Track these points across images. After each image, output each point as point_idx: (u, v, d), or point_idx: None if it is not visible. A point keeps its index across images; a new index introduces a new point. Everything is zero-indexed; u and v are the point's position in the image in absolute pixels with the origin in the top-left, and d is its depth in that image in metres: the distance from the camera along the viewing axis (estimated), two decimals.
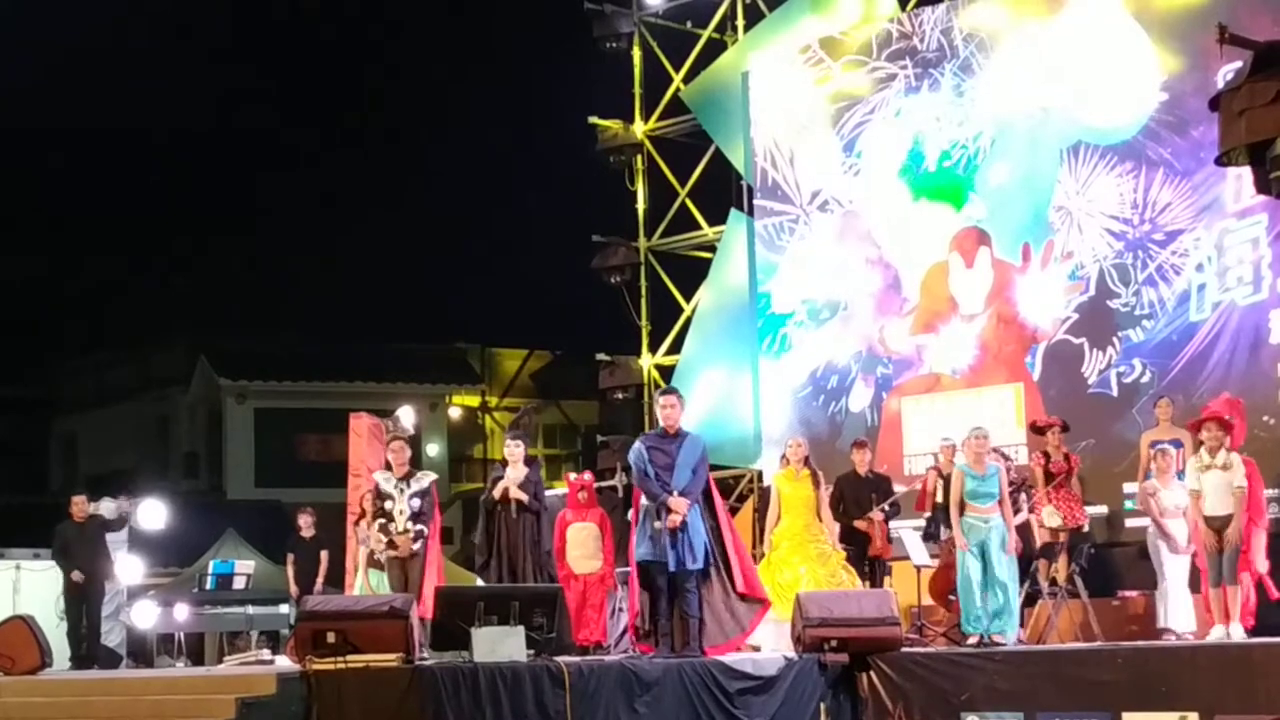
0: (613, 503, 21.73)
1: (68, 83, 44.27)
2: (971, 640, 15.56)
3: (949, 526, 16.81)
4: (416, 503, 15.53)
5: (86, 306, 45.87)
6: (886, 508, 17.76)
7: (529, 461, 16.70)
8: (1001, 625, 15.59)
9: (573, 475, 18.46)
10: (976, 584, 15.66)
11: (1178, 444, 16.51)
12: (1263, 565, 15.22)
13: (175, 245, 45.27)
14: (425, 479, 15.80)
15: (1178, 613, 15.59)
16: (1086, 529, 17.12)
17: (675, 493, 14.77)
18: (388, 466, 15.87)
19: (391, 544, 15.46)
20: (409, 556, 15.46)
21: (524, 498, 16.28)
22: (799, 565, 16.57)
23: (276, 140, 47.81)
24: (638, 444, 15.29)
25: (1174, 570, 15.75)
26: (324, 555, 20.62)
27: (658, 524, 14.75)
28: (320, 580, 20.47)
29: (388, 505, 15.56)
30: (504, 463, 16.73)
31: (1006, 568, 15.65)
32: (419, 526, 15.46)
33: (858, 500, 17.74)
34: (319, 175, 48.07)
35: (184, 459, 43.35)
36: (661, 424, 15.26)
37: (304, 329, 42.82)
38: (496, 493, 16.40)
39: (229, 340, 42.15)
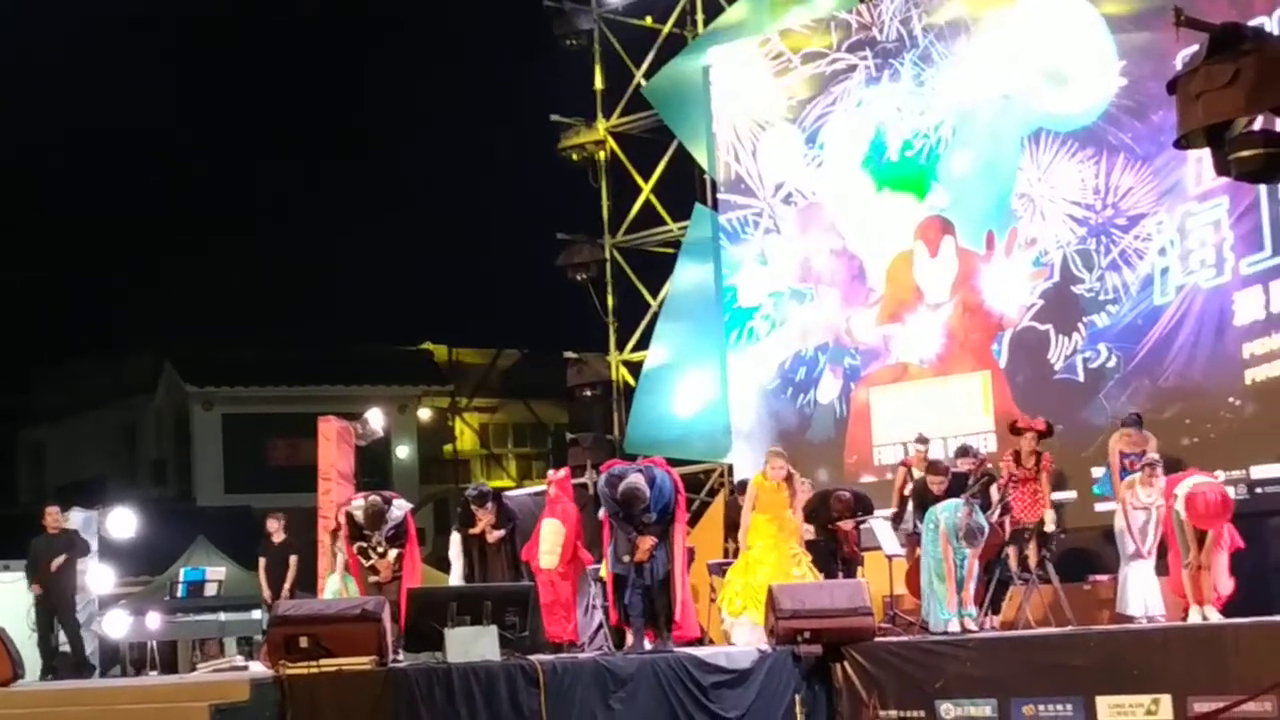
0: (583, 500, 21.73)
1: (31, 84, 44.06)
2: (953, 626, 15.60)
3: (920, 521, 16.91)
4: (393, 533, 15.95)
5: (52, 316, 45.65)
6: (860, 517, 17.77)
7: (498, 526, 17.05)
8: (970, 613, 15.66)
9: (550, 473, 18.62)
10: (946, 575, 15.73)
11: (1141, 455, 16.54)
12: (1225, 587, 15.24)
13: (139, 253, 45.08)
14: (399, 510, 16.15)
15: (1137, 598, 15.59)
16: (1049, 527, 17.07)
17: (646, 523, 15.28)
18: (363, 480, 16.23)
19: (373, 569, 15.81)
20: (389, 580, 15.73)
21: (500, 534, 16.67)
22: (771, 567, 16.56)
23: (239, 146, 47.68)
24: (602, 485, 15.61)
25: (1137, 561, 15.76)
26: (293, 560, 20.57)
27: (626, 558, 15.34)
28: (289, 585, 20.41)
29: (366, 532, 15.92)
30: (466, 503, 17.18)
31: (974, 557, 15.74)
32: (396, 549, 15.80)
33: (825, 510, 17.80)
34: (282, 181, 47.95)
35: (152, 467, 43.23)
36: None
37: (270, 334, 42.72)
38: (474, 531, 16.86)
39: (195, 347, 42.03)
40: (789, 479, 16.73)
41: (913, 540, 17.07)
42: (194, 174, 47.15)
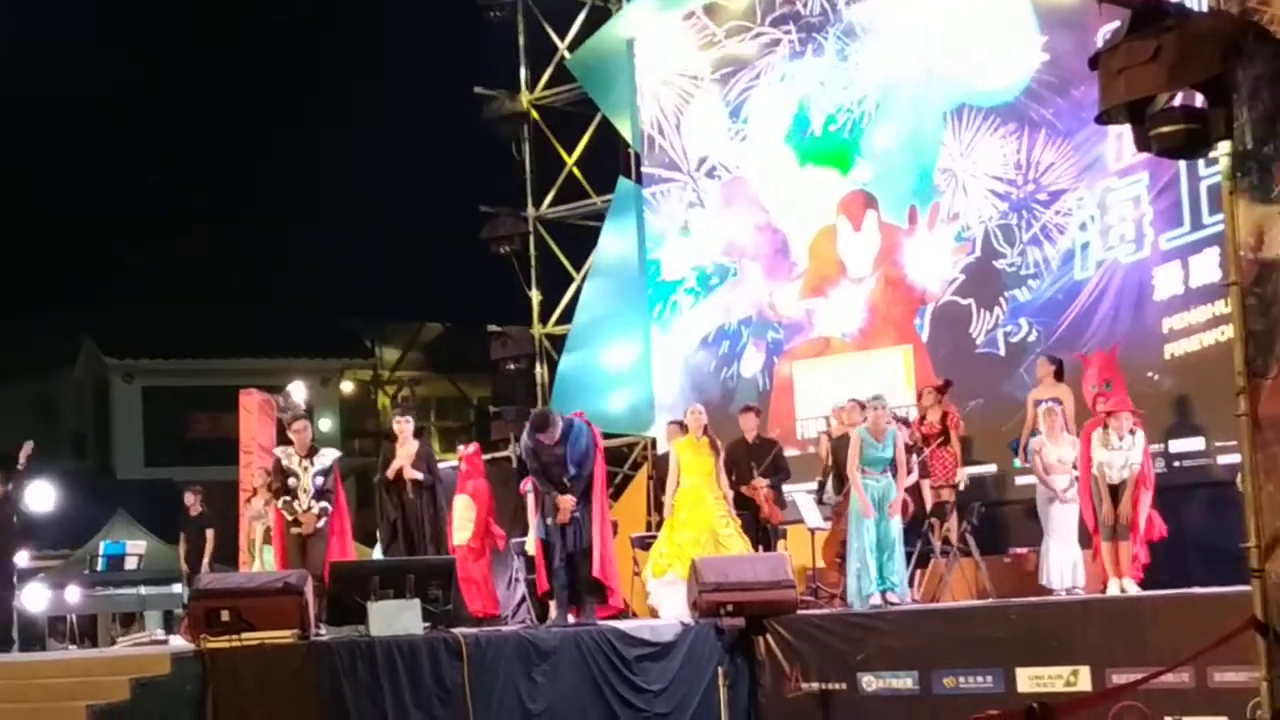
0: (506, 474, 21.71)
1: None
2: (874, 600, 15.69)
3: (838, 491, 17.00)
4: (320, 480, 15.57)
5: None
6: (769, 477, 17.80)
7: (418, 434, 16.71)
8: (892, 585, 15.75)
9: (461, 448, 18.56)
10: (869, 547, 15.81)
11: (1057, 401, 16.67)
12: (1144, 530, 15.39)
13: (58, 222, 44.63)
14: (328, 457, 15.82)
15: (1061, 569, 15.71)
16: (962, 487, 17.25)
17: (567, 483, 15.16)
18: (287, 443, 15.84)
19: (296, 521, 15.46)
20: (311, 533, 15.44)
21: (418, 476, 16.30)
22: (696, 529, 16.63)
23: (160, 115, 47.24)
24: (525, 439, 15.51)
25: (1060, 525, 15.81)
26: (209, 534, 20.43)
27: (549, 520, 15.25)
28: (206, 559, 20.29)
29: (291, 482, 15.58)
30: (393, 439, 16.75)
31: (893, 529, 15.82)
32: (323, 504, 15.49)
33: (741, 467, 17.81)
34: (201, 150, 47.54)
35: (71, 439, 42.86)
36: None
37: (191, 306, 42.36)
38: (390, 473, 16.43)
39: (114, 319, 41.65)
40: (706, 431, 16.84)
41: (839, 511, 17.13)
42: (117, 146, 46.64)
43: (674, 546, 16.53)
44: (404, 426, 16.61)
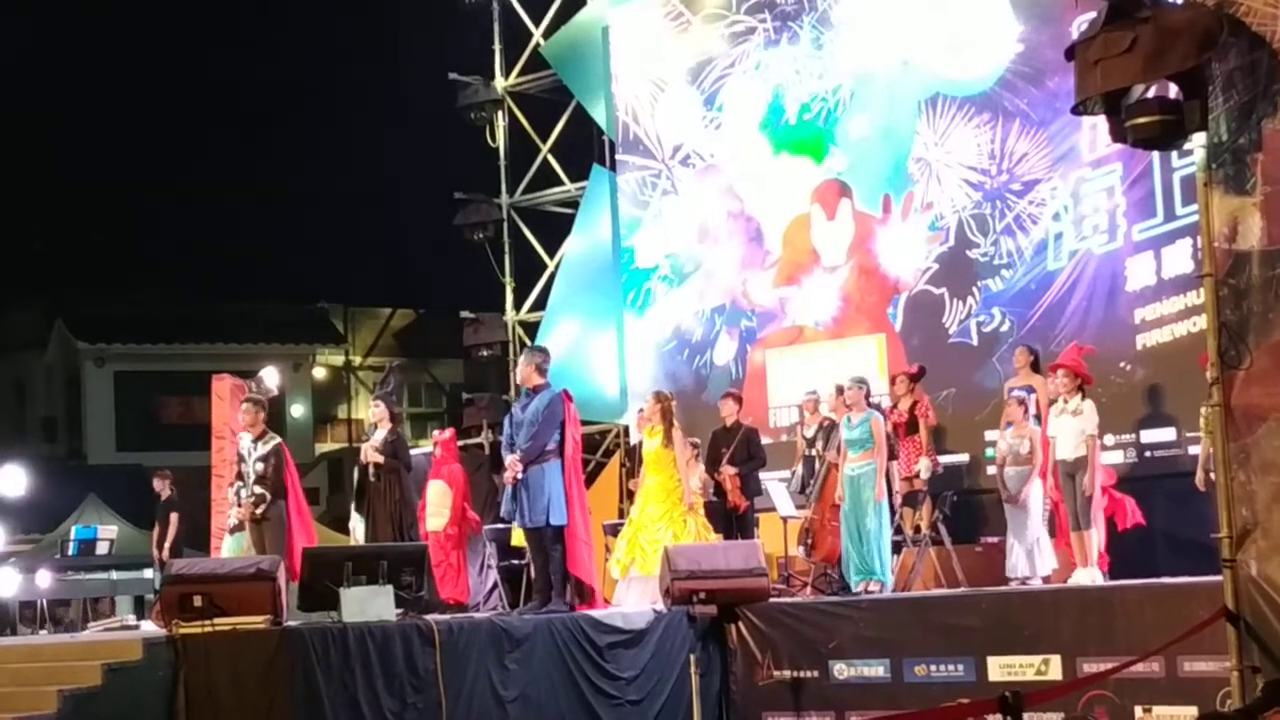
0: (478, 460, 21.73)
1: None
2: (857, 588, 15.74)
3: (811, 479, 17.05)
4: (260, 466, 15.50)
5: None
6: (736, 464, 17.81)
7: (394, 418, 16.66)
8: (872, 573, 15.79)
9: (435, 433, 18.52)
10: (849, 534, 15.87)
11: (1030, 390, 16.71)
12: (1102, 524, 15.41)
13: (30, 204, 44.46)
14: (270, 441, 15.70)
15: (1016, 561, 15.72)
16: (924, 475, 17.24)
17: (518, 450, 14.98)
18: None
19: (240, 506, 15.51)
20: (258, 520, 15.40)
21: (379, 459, 16.22)
22: (663, 523, 16.60)
23: (132, 96, 47.07)
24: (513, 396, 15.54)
25: (1012, 520, 15.81)
26: (174, 518, 20.34)
27: (496, 477, 15.01)
28: (168, 544, 20.18)
29: (243, 469, 15.58)
30: (375, 424, 16.74)
31: (874, 516, 15.83)
32: (259, 490, 15.40)
33: (716, 453, 17.84)
34: (175, 135, 47.40)
35: (42, 423, 42.75)
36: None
37: (164, 291, 42.25)
38: (361, 458, 16.46)
39: (86, 302, 41.54)
40: (664, 417, 16.77)
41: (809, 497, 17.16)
42: (88, 129, 46.49)
43: (641, 549, 16.51)
44: (376, 411, 16.60)
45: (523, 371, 15.40)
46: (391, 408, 16.67)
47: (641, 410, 17.73)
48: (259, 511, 15.40)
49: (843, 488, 16.03)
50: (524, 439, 15.01)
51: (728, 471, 17.66)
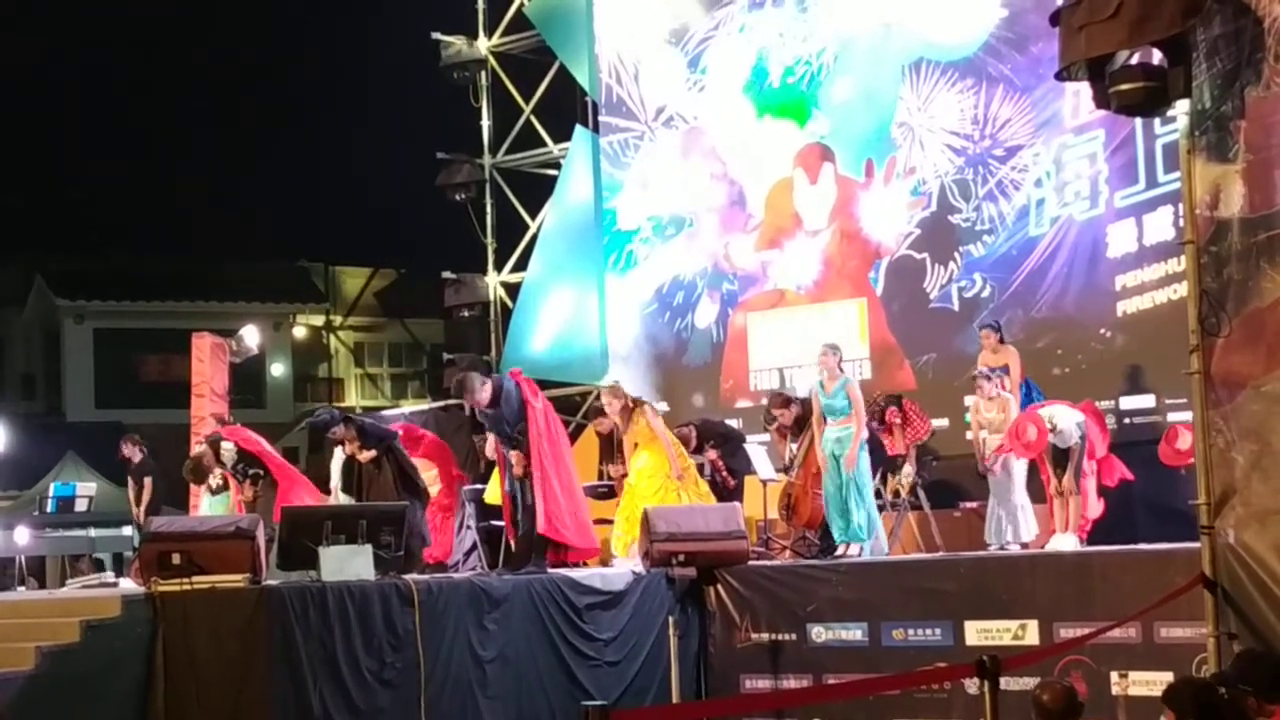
0: (458, 421, 21.69)
1: None
2: (839, 551, 15.78)
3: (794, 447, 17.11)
4: (239, 463, 16.13)
5: None
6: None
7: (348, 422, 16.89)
8: (853, 536, 15.84)
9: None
10: (832, 497, 15.92)
11: (1005, 369, 16.73)
12: (1093, 510, 15.46)
13: (9, 162, 44.32)
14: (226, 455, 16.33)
15: (992, 526, 15.80)
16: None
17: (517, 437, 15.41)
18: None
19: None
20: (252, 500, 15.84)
21: (371, 454, 16.41)
22: (658, 499, 16.58)
23: (115, 58, 46.92)
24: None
25: (997, 485, 15.89)
26: (148, 482, 20.25)
27: (476, 438, 15.34)
28: (143, 507, 20.08)
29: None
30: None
31: (854, 480, 15.86)
32: (252, 473, 15.97)
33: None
34: (158, 91, 47.24)
35: (20, 380, 42.64)
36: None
37: (144, 247, 42.14)
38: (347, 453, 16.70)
39: (66, 259, 41.39)
40: (627, 412, 16.83)
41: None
42: (69, 89, 46.33)
43: (635, 519, 16.50)
44: (348, 441, 16.67)
45: (475, 401, 15.46)
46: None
47: (603, 411, 17.76)
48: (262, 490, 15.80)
49: (824, 453, 16.04)
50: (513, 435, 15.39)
51: (711, 456, 17.74)
